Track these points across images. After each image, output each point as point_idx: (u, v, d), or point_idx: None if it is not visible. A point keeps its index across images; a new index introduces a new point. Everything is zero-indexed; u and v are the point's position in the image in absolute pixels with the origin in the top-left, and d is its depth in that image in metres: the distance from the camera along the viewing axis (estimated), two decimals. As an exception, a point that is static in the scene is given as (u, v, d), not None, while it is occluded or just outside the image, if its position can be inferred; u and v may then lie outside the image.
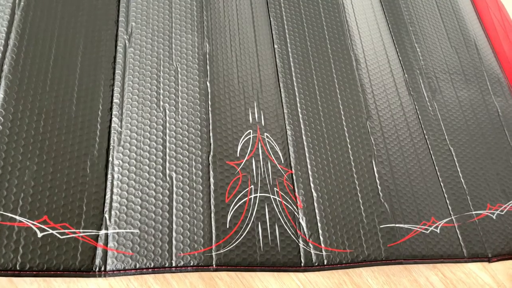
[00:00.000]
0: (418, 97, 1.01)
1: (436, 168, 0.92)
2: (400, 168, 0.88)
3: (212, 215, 0.72)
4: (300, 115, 0.88)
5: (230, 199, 0.75)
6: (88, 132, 0.74)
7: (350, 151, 0.87)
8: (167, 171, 0.74)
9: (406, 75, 1.03)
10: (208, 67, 0.86)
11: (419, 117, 0.98)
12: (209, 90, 0.83)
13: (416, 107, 0.99)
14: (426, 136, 0.95)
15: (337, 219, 0.79)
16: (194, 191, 0.74)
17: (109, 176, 0.72)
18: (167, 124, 0.78)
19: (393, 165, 0.88)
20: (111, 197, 0.70)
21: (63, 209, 0.66)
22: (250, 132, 0.83)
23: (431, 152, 0.94)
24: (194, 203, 0.73)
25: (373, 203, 0.82)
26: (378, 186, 0.85)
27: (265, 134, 0.84)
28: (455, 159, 0.94)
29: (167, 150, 0.76)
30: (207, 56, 0.87)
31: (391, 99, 0.97)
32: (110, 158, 0.74)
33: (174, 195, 0.73)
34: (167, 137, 0.77)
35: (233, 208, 0.74)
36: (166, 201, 0.72)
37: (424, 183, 0.89)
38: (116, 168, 0.73)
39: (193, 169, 0.75)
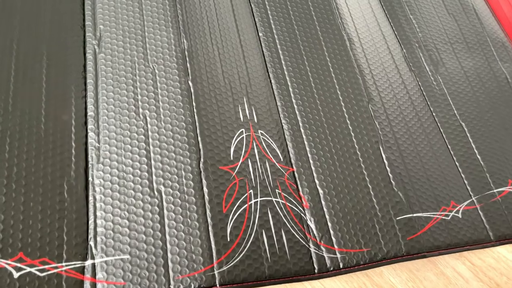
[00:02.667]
0: (420, 72, 0.93)
1: (449, 147, 0.84)
2: (410, 152, 0.81)
3: (210, 228, 0.65)
4: (295, 106, 0.80)
5: (228, 208, 0.67)
6: (61, 152, 0.66)
7: (354, 139, 0.79)
8: (155, 185, 0.67)
9: (404, 50, 0.95)
10: (188, 65, 0.78)
11: (424, 93, 0.90)
12: (192, 90, 0.75)
13: (419, 83, 0.91)
14: (433, 114, 0.88)
15: (349, 215, 0.72)
16: (187, 204, 0.66)
17: (91, 198, 0.64)
18: (150, 133, 0.70)
19: (402, 149, 0.80)
20: (94, 221, 0.63)
21: (40, 242, 0.58)
22: (242, 131, 0.75)
23: (441, 130, 0.86)
24: (188, 217, 0.65)
25: (386, 194, 0.75)
26: (389, 174, 0.77)
27: (259, 131, 0.76)
28: (468, 134, 0.87)
29: (152, 161, 0.68)
30: (186, 53, 0.79)
31: (392, 78, 0.90)
32: (90, 178, 0.66)
33: (165, 211, 0.65)
34: (151, 147, 0.69)
35: (232, 218, 0.67)
36: (157, 219, 0.64)
37: (438, 165, 0.81)
38: (97, 189, 0.65)
39: (183, 179, 0.68)
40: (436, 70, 0.94)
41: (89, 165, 0.67)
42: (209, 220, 0.65)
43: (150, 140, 0.70)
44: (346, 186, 0.74)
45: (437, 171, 0.80)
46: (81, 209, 0.63)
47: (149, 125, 0.71)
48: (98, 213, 0.63)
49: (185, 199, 0.66)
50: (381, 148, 0.79)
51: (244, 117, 0.76)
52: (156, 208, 0.65)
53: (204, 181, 0.68)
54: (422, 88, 0.91)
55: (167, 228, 0.64)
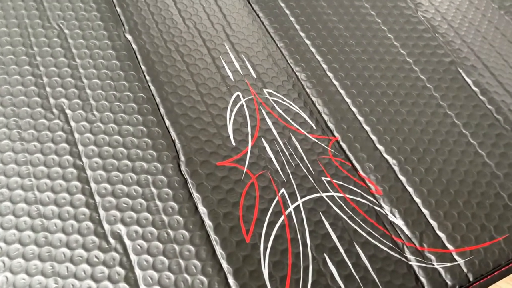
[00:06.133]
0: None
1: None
2: (502, 67, 0.51)
3: (231, 280, 0.33)
4: (308, 42, 0.50)
5: (253, 232, 0.36)
6: None
7: (415, 68, 0.49)
8: (107, 226, 0.35)
9: None
10: (118, 10, 0.46)
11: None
12: (134, 47, 0.44)
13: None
14: (495, 5, 0.58)
15: (452, 188, 0.42)
16: (176, 247, 0.34)
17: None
18: (76, 135, 0.38)
19: (490, 65, 0.51)
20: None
21: None
22: (238, 95, 0.44)
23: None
24: (184, 271, 0.33)
25: (497, 137, 0.45)
26: (488, 106, 0.47)
27: (265, 90, 0.45)
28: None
29: (93, 184, 0.36)
30: (111, -8, 0.47)
31: (429, -27, 0.60)
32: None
33: (138, 271, 0.33)
34: (84, 159, 0.37)
35: (265, 248, 0.35)
36: (125, 290, 0.32)
37: (544, 77, 0.52)
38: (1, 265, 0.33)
39: (157, 202, 0.36)
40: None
41: (-27, 223, 0.34)
42: (224, 265, 0.34)
43: (80, 147, 0.38)
44: (430, 142, 0.44)
45: (547, 87, 0.51)
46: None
47: (72, 122, 0.39)
48: (6, 312, 0.31)
49: (169, 238, 0.34)
50: (461, 71, 0.49)
51: (234, 74, 0.45)
52: (119, 270, 0.33)
53: (196, 196, 0.37)
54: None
55: (148, 305, 0.32)
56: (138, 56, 0.43)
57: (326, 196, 0.40)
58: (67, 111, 0.39)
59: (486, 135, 0.45)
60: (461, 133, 0.45)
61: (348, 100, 0.46)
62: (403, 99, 0.46)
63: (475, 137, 0.45)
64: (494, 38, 0.54)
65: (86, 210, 0.35)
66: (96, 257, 0.33)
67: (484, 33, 0.54)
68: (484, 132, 0.45)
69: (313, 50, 0.49)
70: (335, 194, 0.40)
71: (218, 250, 0.34)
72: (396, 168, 0.43)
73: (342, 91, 0.47)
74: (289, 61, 0.48)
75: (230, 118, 0.42)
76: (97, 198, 0.36)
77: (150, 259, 0.34)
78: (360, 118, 0.45)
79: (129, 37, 0.44)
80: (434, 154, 0.43)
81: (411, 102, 0.46)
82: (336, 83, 0.47)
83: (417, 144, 0.44)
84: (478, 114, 0.46)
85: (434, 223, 0.40)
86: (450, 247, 0.39)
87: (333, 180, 0.41)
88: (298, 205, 0.38)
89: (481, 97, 0.47)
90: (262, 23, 0.51)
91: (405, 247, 0.39)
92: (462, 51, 0.51)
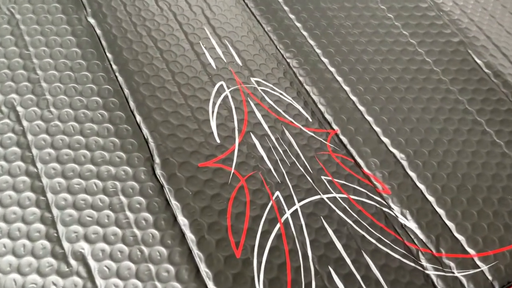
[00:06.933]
0: None
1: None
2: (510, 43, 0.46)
3: (219, 306, 0.28)
4: (299, 24, 0.44)
5: (244, 246, 0.30)
6: None
7: (420, 50, 0.44)
8: (65, 244, 0.29)
9: None
10: (79, -10, 0.40)
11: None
12: (98, 32, 0.38)
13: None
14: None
15: (469, 183, 0.37)
16: (151, 267, 0.28)
17: None
18: (29, 137, 0.32)
19: (501, 45, 0.46)
20: None
21: None
22: (221, 85, 0.38)
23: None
24: (161, 297, 0.28)
25: (515, 125, 0.40)
26: (503, 90, 0.42)
27: (253, 79, 0.39)
28: None
29: (49, 194, 0.30)
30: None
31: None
32: None
33: (105, 299, 0.27)
34: (39, 164, 0.31)
35: (259, 264, 0.30)
36: (89, 324, 0.27)
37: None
38: None
39: (128, 213, 0.30)
40: None
41: None
42: (210, 286, 0.28)
43: (34, 151, 0.32)
44: (441, 132, 0.39)
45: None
46: None
47: (24, 122, 0.33)
48: None
49: (142, 257, 0.29)
50: (470, 52, 0.44)
51: (216, 61, 0.39)
52: (82, 298, 0.27)
53: (174, 204, 0.31)
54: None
55: None
56: (103, 43, 0.37)
57: (328, 198, 0.34)
58: (19, 108, 0.33)
59: (503, 122, 0.40)
60: (475, 121, 0.40)
61: (346, 88, 0.41)
62: (408, 85, 0.41)
63: (491, 125, 0.40)
64: (502, 16, 0.49)
65: (42, 226, 0.29)
66: (54, 283, 0.27)
67: (491, 11, 0.49)
68: (501, 119, 0.40)
69: (304, 33, 0.44)
70: (337, 195, 0.35)
71: (203, 268, 0.29)
72: (405, 163, 0.37)
73: (339, 78, 0.41)
74: (278, 47, 0.43)
75: (213, 112, 0.36)
76: (55, 211, 0.30)
77: (121, 283, 0.28)
78: (361, 108, 0.40)
79: (92, 21, 0.38)
80: (446, 146, 0.38)
81: (417, 88, 0.41)
82: (332, 69, 0.42)
83: (426, 134, 0.39)
84: (493, 99, 0.41)
85: (451, 225, 0.35)
86: (471, 251, 0.34)
87: (334, 179, 0.35)
88: (296, 210, 0.33)
89: (495, 80, 0.43)
90: (247, 5, 0.45)
91: (420, 253, 0.34)
92: (470, 30, 0.46)
